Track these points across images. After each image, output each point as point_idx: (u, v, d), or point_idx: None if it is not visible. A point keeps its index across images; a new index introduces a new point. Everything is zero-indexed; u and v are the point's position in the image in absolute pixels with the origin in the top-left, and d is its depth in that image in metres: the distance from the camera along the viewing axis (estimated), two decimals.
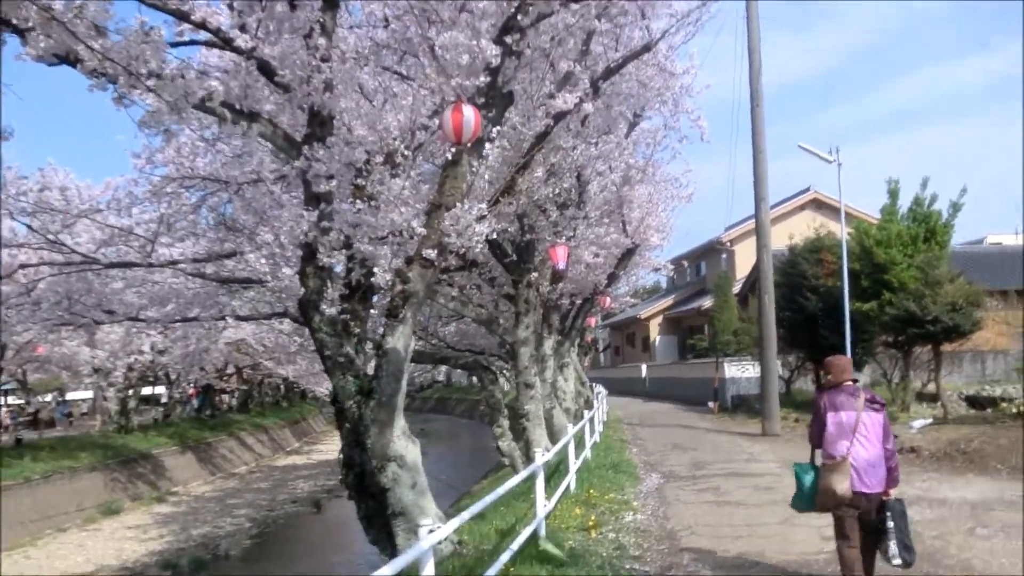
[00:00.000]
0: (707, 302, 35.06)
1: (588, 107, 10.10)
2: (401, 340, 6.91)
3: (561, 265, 11.06)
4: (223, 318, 11.84)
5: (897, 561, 5.53)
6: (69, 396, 46.13)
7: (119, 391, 30.95)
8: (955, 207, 18.76)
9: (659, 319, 43.77)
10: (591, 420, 17.20)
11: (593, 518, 8.89)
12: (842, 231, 17.17)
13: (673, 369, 36.46)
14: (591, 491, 10.17)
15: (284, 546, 19.99)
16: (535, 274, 11.76)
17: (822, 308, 20.28)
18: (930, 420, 16.50)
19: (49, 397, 42.03)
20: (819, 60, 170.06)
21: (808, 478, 5.90)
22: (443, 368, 55.60)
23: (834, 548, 5.94)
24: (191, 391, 42.26)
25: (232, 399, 47.32)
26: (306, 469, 35.67)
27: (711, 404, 26.00)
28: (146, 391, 39.08)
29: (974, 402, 18.79)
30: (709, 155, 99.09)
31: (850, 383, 5.80)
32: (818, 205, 37.70)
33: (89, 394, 41.92)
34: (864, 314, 17.93)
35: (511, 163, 10.84)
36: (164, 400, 41.15)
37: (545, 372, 15.96)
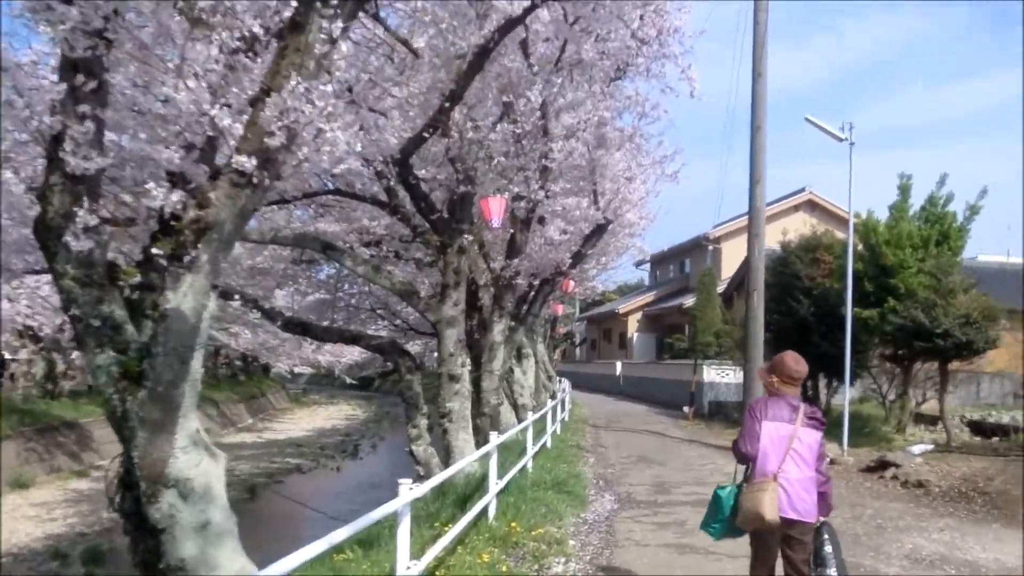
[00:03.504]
0: (689, 301, 33.11)
1: (544, 14, 7.62)
2: (189, 298, 4.38)
3: (495, 222, 8.54)
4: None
5: None
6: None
7: (44, 352, 28.40)
8: (973, 210, 16.38)
9: (638, 315, 41.71)
10: (545, 418, 14.75)
11: (505, 568, 6.42)
12: (850, 220, 14.74)
13: (649, 368, 34.40)
14: (514, 523, 7.67)
15: None
16: (468, 237, 9.21)
17: (815, 313, 18.28)
18: (931, 446, 14.22)
19: None
20: (808, 73, 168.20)
21: (729, 500, 5.04)
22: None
23: None
24: None
25: None
26: (253, 448, 33.25)
27: (686, 409, 23.82)
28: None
29: (978, 428, 16.55)
30: (699, 154, 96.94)
31: (793, 393, 4.94)
32: (812, 207, 35.90)
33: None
34: (863, 322, 15.61)
35: (442, 89, 8.30)
36: None
37: (493, 363, 13.45)
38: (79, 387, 32.37)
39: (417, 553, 5.42)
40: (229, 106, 4.42)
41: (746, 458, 4.91)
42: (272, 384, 58.77)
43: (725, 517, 5.05)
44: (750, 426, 4.88)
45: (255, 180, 4.38)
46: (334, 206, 13.69)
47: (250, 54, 4.59)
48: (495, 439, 7.81)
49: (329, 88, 4.33)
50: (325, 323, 20.16)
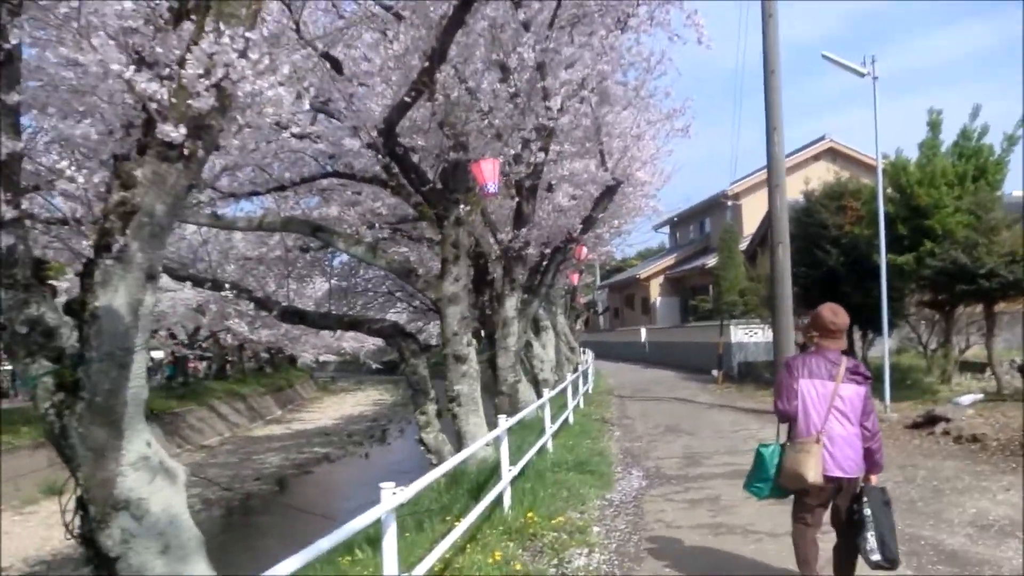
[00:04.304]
0: (711, 261, 32.27)
1: None
2: (122, 293, 3.77)
3: (490, 187, 7.82)
4: None
5: (876, 557, 4.56)
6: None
7: None
8: (1011, 140, 15.33)
9: (660, 279, 40.92)
10: (566, 393, 14.12)
11: (519, 567, 5.82)
12: (877, 160, 13.81)
13: (674, 333, 33.66)
14: (531, 512, 7.06)
15: (228, 535, 17.34)
16: (465, 207, 8.51)
17: (844, 262, 17.45)
18: (980, 395, 13.42)
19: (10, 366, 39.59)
20: (818, 23, 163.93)
21: (773, 458, 4.88)
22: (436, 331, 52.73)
23: None
24: (168, 359, 40.17)
25: (209, 367, 44.86)
26: (281, 440, 33.25)
27: (715, 373, 23.09)
28: None
29: None
30: (711, 118, 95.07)
31: (836, 347, 4.76)
32: (834, 155, 34.80)
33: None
34: (898, 268, 14.74)
35: (424, 49, 7.60)
36: None
37: (508, 339, 12.84)
38: None
39: (412, 561, 4.83)
40: (149, 66, 3.77)
41: (786, 416, 4.81)
42: (300, 374, 58.93)
43: (769, 476, 4.92)
44: (787, 384, 4.78)
45: (187, 152, 3.75)
46: (335, 190, 13.11)
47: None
48: (504, 423, 7.16)
49: (256, 35, 3.66)
50: (346, 310, 19.79)
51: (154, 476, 4.03)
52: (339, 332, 28.49)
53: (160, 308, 27.95)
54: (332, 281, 20.53)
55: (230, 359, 46.84)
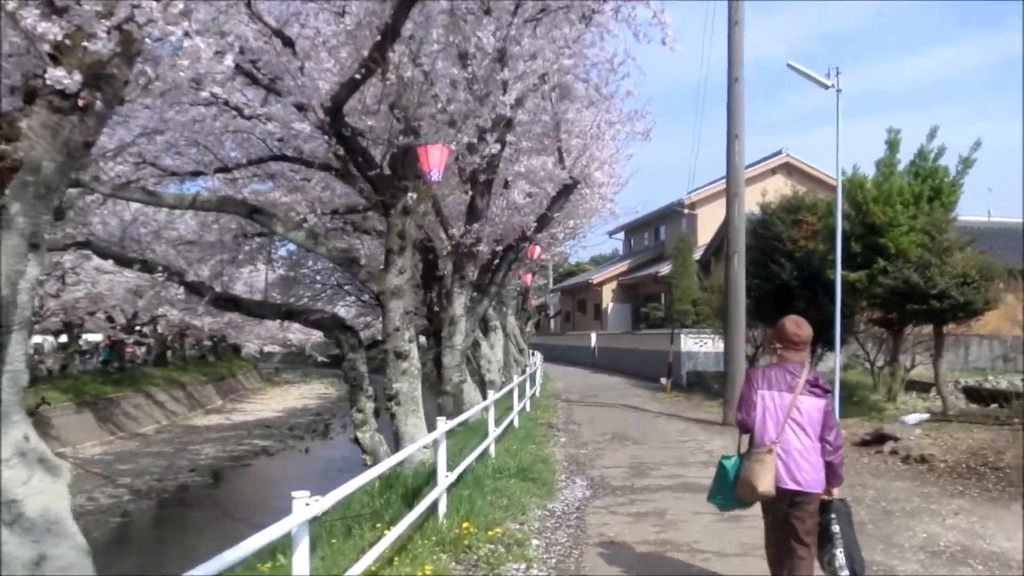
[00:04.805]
0: (664, 269, 32.32)
1: None
2: None
3: (434, 175, 7.35)
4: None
5: (845, 573, 4.59)
6: None
7: None
8: (965, 163, 15.39)
9: (612, 285, 40.91)
10: (513, 395, 13.71)
11: None
12: (838, 174, 13.69)
13: (624, 339, 33.58)
14: (467, 523, 6.62)
15: (151, 529, 16.57)
16: (413, 195, 8.04)
17: (798, 276, 17.41)
18: (926, 415, 13.40)
19: None
20: (786, 45, 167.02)
21: (733, 469, 4.88)
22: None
23: None
24: (105, 343, 38.94)
25: (148, 352, 43.51)
26: (221, 431, 32.48)
27: (664, 380, 22.97)
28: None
29: (975, 395, 15.75)
30: (672, 126, 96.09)
31: (798, 359, 4.76)
32: (790, 170, 35.27)
33: None
34: (850, 284, 14.69)
35: (377, 25, 7.13)
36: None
37: (455, 337, 12.41)
38: (38, 374, 31.21)
39: (335, 574, 4.37)
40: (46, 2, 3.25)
41: (744, 427, 4.79)
42: (243, 364, 57.73)
43: (730, 488, 4.89)
44: (747, 394, 4.78)
45: (82, 103, 3.24)
46: (285, 175, 12.54)
47: None
48: (442, 425, 6.72)
49: None
50: (293, 301, 19.12)
51: (31, 474, 3.50)
52: (285, 323, 27.80)
53: (97, 290, 26.92)
54: (279, 271, 19.88)
55: (170, 345, 45.57)
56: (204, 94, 7.08)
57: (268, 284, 20.66)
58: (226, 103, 8.98)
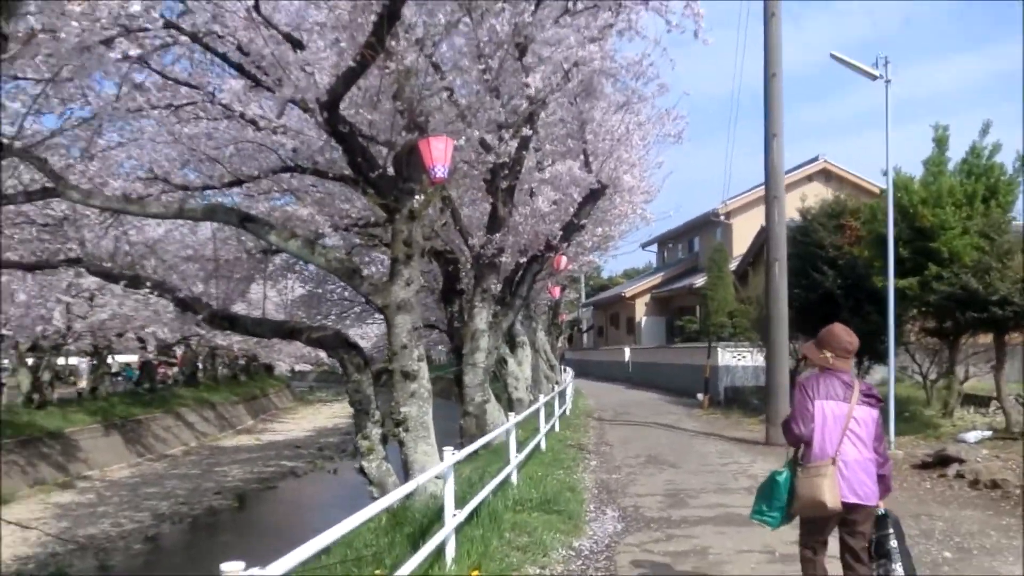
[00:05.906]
0: (699, 280, 31.32)
1: None
2: None
3: (439, 171, 6.59)
4: None
5: None
6: None
7: (23, 359, 27.33)
8: None
9: (646, 298, 39.96)
10: (540, 415, 12.86)
11: None
12: (888, 171, 12.71)
13: (659, 354, 32.62)
14: (476, 571, 5.80)
15: (171, 557, 16.08)
16: (419, 197, 7.30)
17: (841, 285, 16.53)
18: (988, 432, 12.35)
19: None
20: (812, 54, 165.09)
21: (788, 484, 4.56)
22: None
23: None
24: (136, 364, 39.15)
25: (180, 373, 43.56)
26: (249, 452, 32.13)
27: (700, 396, 22.00)
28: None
29: None
30: (701, 143, 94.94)
31: (846, 368, 4.57)
32: (827, 176, 34.15)
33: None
34: (899, 292, 13.69)
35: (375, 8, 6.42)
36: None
37: (476, 354, 11.64)
38: (69, 395, 31.24)
39: None
40: None
41: (799, 440, 4.57)
42: (275, 384, 57.69)
43: (783, 505, 4.65)
44: (802, 405, 4.57)
45: None
46: (307, 190, 12.01)
47: None
48: (450, 457, 5.92)
49: None
50: (320, 319, 18.54)
51: None
52: None
53: (123, 311, 26.81)
54: (307, 287, 19.35)
55: (202, 366, 45.64)
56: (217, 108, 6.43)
57: (291, 302, 20.15)
58: (242, 115, 8.41)
